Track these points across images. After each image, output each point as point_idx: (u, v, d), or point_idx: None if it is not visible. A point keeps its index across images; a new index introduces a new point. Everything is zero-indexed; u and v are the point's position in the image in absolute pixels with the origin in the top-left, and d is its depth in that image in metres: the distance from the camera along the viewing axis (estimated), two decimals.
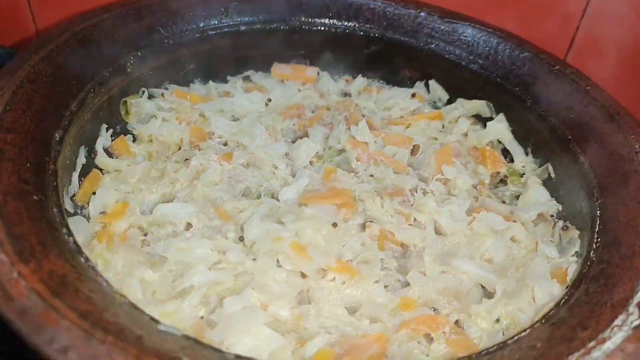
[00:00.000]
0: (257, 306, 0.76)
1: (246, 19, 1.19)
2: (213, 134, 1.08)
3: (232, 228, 0.89)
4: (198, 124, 1.10)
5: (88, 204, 0.91)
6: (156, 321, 0.60)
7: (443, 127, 1.19)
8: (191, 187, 0.96)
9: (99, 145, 1.00)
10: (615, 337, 0.64)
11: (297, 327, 0.77)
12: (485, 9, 1.20)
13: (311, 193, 0.96)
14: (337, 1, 1.21)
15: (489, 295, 0.85)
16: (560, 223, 0.95)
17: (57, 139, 0.83)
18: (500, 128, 1.13)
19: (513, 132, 1.14)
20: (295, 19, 1.21)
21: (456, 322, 0.81)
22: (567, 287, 0.80)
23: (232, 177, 1.00)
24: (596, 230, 0.83)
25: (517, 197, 1.04)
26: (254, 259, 0.82)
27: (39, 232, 0.66)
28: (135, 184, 0.96)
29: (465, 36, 1.17)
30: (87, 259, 0.67)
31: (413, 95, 1.23)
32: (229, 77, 1.24)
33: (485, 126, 1.15)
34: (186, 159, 1.01)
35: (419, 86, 1.26)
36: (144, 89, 1.10)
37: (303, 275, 0.82)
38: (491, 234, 0.92)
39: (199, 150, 1.04)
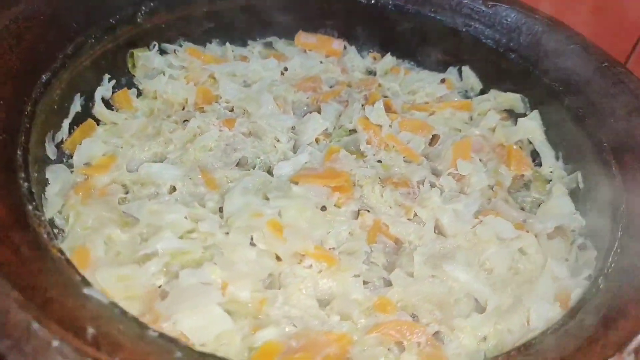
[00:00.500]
0: (217, 283, 0.70)
1: None
2: (220, 97, 1.03)
3: (215, 198, 0.84)
4: (207, 85, 1.05)
5: None
6: (87, 283, 0.55)
7: (471, 119, 1.08)
8: (184, 149, 0.91)
9: (98, 95, 0.95)
10: None
11: (259, 312, 0.70)
12: None
13: (306, 171, 0.89)
14: None
15: (481, 309, 0.76)
16: (580, 240, 0.84)
17: (44, 80, 0.80)
18: (532, 126, 1.02)
19: (546, 132, 1.02)
20: None
21: (436, 333, 0.72)
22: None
23: (230, 145, 0.95)
24: (612, 253, 0.71)
25: (539, 205, 0.93)
26: (227, 233, 0.76)
27: None
28: (128, 139, 0.92)
29: (508, 20, 1.05)
30: (36, 208, 0.63)
31: (442, 80, 1.13)
32: (249, 42, 1.17)
33: (516, 123, 1.04)
34: (185, 120, 0.96)
35: (452, 72, 1.16)
36: (155, 42, 1.05)
37: (278, 258, 0.76)
38: (496, 242, 0.82)
39: (203, 112, 0.98)
